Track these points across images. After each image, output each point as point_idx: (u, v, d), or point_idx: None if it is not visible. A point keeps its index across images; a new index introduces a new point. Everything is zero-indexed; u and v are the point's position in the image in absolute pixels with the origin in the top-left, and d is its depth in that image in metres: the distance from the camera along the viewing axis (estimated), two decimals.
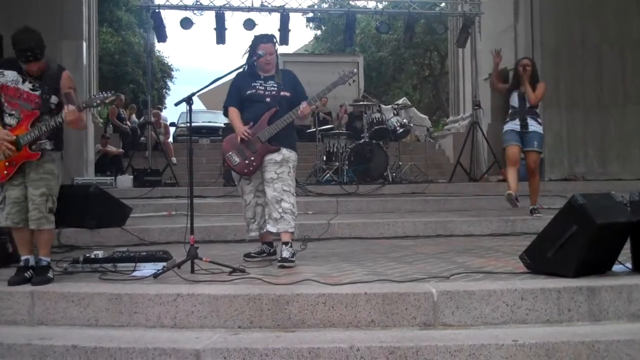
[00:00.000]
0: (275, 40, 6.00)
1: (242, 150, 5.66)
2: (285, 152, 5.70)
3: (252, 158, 5.65)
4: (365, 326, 4.10)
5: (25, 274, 4.88)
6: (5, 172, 4.93)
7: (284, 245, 5.58)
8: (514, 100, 8.48)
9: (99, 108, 5.11)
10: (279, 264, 5.47)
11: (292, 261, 5.50)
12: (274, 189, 5.59)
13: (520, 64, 8.53)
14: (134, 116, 19.23)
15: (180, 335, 4.05)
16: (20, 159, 4.90)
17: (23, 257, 5.02)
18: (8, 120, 4.97)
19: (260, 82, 5.82)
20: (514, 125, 8.45)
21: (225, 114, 6.09)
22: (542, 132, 8.53)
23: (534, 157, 8.45)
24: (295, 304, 4.14)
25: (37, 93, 4.96)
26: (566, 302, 4.18)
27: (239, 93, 5.85)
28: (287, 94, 5.81)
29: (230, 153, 5.71)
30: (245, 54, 5.95)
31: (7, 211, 4.96)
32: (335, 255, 6.17)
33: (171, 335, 4.05)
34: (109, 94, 5.05)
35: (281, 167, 5.65)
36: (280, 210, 5.56)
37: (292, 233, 5.70)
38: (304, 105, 5.68)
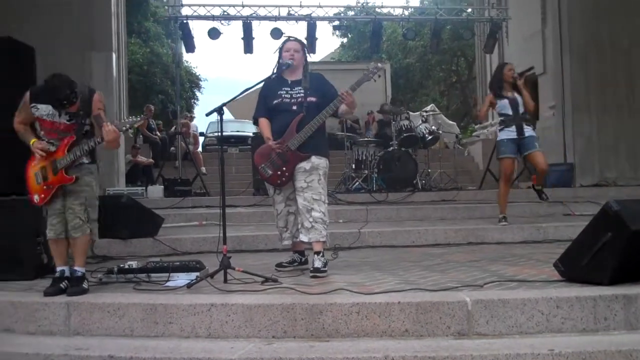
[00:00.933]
0: (302, 43, 6.00)
1: (273, 161, 5.64)
2: (314, 159, 5.65)
3: (284, 168, 5.62)
4: (399, 336, 4.09)
5: (61, 285, 4.94)
6: (42, 195, 5.03)
7: (315, 255, 5.55)
8: (504, 107, 8.26)
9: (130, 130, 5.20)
10: (311, 274, 5.44)
11: (324, 271, 5.49)
12: (304, 198, 5.57)
13: (508, 68, 8.37)
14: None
15: (215, 345, 4.07)
16: (56, 183, 4.99)
17: (59, 268, 5.08)
18: (50, 148, 5.05)
19: (287, 89, 5.76)
20: (509, 133, 8.25)
21: (256, 123, 6.10)
22: (535, 134, 8.42)
23: (542, 156, 8.30)
24: (329, 314, 4.15)
25: (73, 122, 5.05)
26: (602, 310, 4.13)
27: (265, 103, 5.83)
28: (314, 99, 5.71)
29: (262, 165, 5.70)
30: (275, 53, 5.96)
31: (50, 222, 5.05)
32: (367, 264, 6.17)
33: (206, 345, 4.07)
34: (138, 118, 5.08)
35: (310, 175, 5.61)
36: (311, 219, 5.54)
37: (324, 242, 5.68)
38: (342, 92, 5.56)
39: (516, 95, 8.25)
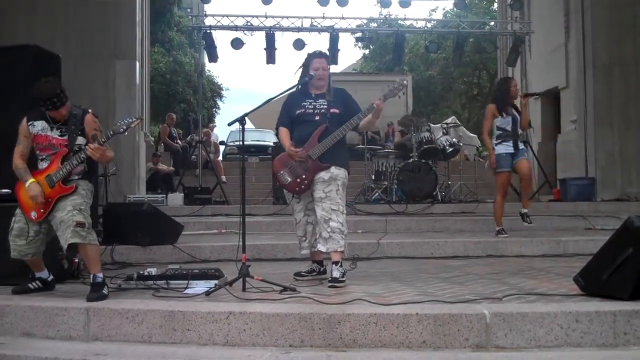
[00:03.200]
0: (327, 57, 6.05)
1: (293, 169, 5.69)
2: (333, 170, 5.67)
3: (304, 176, 5.67)
4: (417, 347, 4.08)
5: (30, 285, 5.25)
6: (42, 210, 5.11)
7: (334, 265, 5.56)
8: (507, 123, 8.44)
9: (126, 134, 5.24)
10: (330, 284, 5.44)
11: (343, 281, 5.47)
12: (322, 209, 5.59)
13: (514, 84, 8.61)
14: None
15: (233, 353, 4.09)
16: (55, 195, 5.08)
17: (37, 273, 5.34)
18: (42, 164, 5.21)
19: (310, 100, 5.82)
20: (507, 147, 8.42)
21: (277, 133, 6.14)
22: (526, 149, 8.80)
23: (526, 164, 8.52)
24: (347, 324, 4.14)
25: (65, 137, 5.18)
26: (622, 325, 4.10)
27: (288, 113, 5.88)
28: (337, 110, 5.77)
29: (282, 172, 5.75)
30: (297, 71, 6.01)
31: (16, 243, 5.14)
32: (385, 275, 6.16)
33: (223, 353, 4.09)
34: (133, 119, 5.15)
35: (329, 185, 5.63)
36: (329, 229, 5.55)
37: (342, 252, 5.66)
38: (377, 102, 5.62)
39: (514, 112, 8.46)
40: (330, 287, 5.39)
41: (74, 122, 5.18)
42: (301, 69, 5.98)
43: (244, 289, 5.07)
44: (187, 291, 5.14)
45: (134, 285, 5.38)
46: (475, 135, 24.95)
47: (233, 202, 12.65)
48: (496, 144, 8.51)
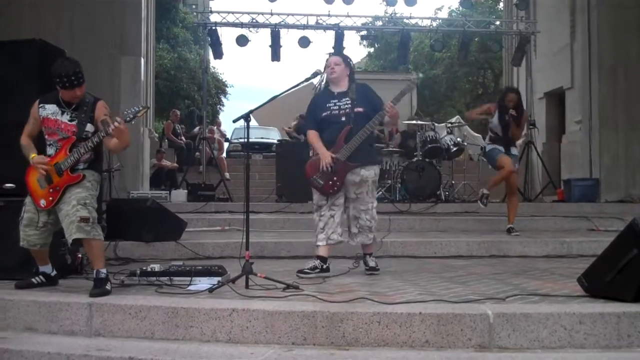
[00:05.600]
0: (343, 55, 6.34)
1: (325, 172, 5.93)
2: (363, 172, 6.00)
3: (335, 178, 5.94)
4: (420, 346, 4.07)
5: (33, 280, 5.24)
6: (50, 198, 5.09)
7: (367, 256, 6.23)
8: (498, 129, 8.70)
9: (132, 123, 5.23)
10: (367, 272, 6.12)
11: (378, 269, 6.15)
12: (353, 207, 6.09)
13: (509, 99, 8.66)
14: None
15: (235, 350, 4.09)
16: (63, 184, 5.06)
17: (41, 267, 5.33)
18: (49, 150, 5.20)
19: (335, 101, 6.08)
20: (498, 146, 8.75)
21: (305, 135, 6.40)
22: (517, 154, 9.08)
23: (514, 175, 8.73)
24: (350, 322, 4.14)
25: (74, 123, 5.15)
26: (626, 327, 4.09)
27: (315, 116, 6.14)
28: (361, 109, 5.98)
29: (314, 177, 6.00)
30: (305, 80, 6.12)
31: (26, 232, 5.15)
32: (388, 274, 6.16)
33: (226, 350, 4.09)
34: (139, 108, 5.13)
35: (360, 188, 6.02)
36: (358, 226, 6.10)
37: (372, 244, 6.25)
38: (388, 105, 5.90)
39: (509, 120, 8.58)
40: (368, 274, 6.08)
41: (84, 109, 5.16)
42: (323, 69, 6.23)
43: (247, 286, 5.08)
44: (190, 288, 5.14)
45: (137, 281, 5.38)
46: (480, 135, 24.92)
47: (236, 199, 12.63)
48: (488, 144, 8.89)
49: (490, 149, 8.80)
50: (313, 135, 6.12)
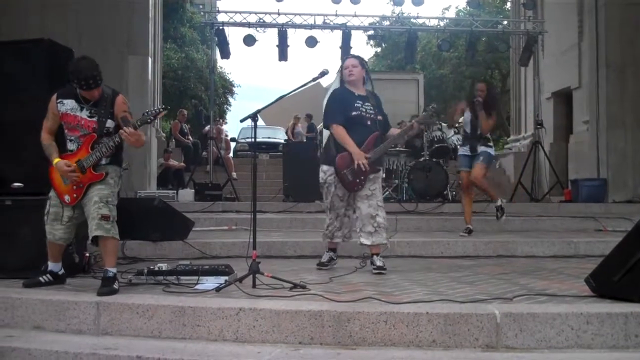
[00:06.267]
0: (360, 58, 6.46)
1: (354, 170, 6.04)
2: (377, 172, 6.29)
3: (362, 177, 6.09)
4: (427, 346, 4.07)
5: (40, 278, 5.23)
6: (75, 195, 5.13)
7: (375, 256, 6.19)
8: (467, 126, 8.78)
9: (156, 122, 5.28)
10: (376, 271, 6.06)
11: (385, 269, 6.11)
12: (369, 205, 6.13)
13: (477, 89, 8.81)
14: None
15: (242, 349, 4.09)
16: (86, 181, 5.09)
17: (51, 264, 5.32)
18: (70, 145, 5.21)
19: (360, 102, 6.21)
20: (465, 150, 8.80)
21: (327, 126, 6.40)
22: (491, 152, 8.82)
23: (476, 169, 8.59)
24: (357, 322, 4.14)
25: (94, 119, 5.15)
26: (633, 327, 4.07)
27: (344, 111, 6.18)
28: (381, 118, 6.30)
29: (344, 171, 6.10)
30: (313, 80, 6.20)
31: (53, 226, 5.17)
32: (395, 274, 6.15)
33: (233, 349, 4.09)
34: (160, 109, 5.22)
35: (374, 184, 6.19)
36: (375, 224, 6.11)
37: (385, 245, 6.29)
38: (415, 125, 6.45)
39: (479, 109, 8.63)
40: (376, 274, 6.02)
41: (104, 104, 5.17)
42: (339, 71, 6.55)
43: (254, 286, 5.08)
44: (197, 287, 5.15)
45: (144, 280, 5.39)
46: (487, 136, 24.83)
47: (243, 199, 12.65)
48: (459, 145, 9.16)
49: (459, 155, 9.01)
50: (343, 131, 6.13)
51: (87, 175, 5.08)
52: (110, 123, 5.18)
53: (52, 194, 5.21)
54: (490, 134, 8.84)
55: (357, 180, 6.08)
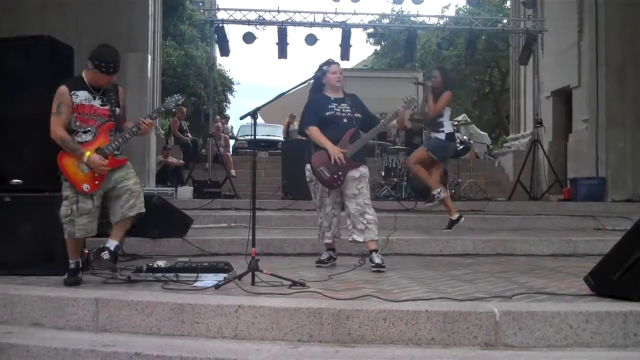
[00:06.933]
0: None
1: (330, 166, 6.18)
2: (362, 169, 6.33)
3: (340, 173, 6.20)
4: (426, 344, 4.07)
5: (79, 275, 5.30)
6: (96, 182, 5.22)
7: (373, 253, 6.23)
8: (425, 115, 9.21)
9: (175, 110, 5.59)
10: (375, 269, 6.08)
11: (384, 266, 6.12)
12: (356, 203, 6.22)
13: (433, 75, 9.16)
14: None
15: (241, 346, 4.09)
16: (109, 167, 5.22)
17: (73, 260, 5.32)
18: (84, 137, 5.25)
19: (335, 104, 6.41)
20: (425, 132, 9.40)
21: (302, 133, 6.56)
22: (441, 137, 8.93)
23: (414, 152, 9.35)
24: (356, 320, 4.14)
25: (107, 107, 5.29)
26: (632, 326, 4.07)
27: (317, 113, 6.36)
28: (359, 115, 6.44)
29: (320, 168, 6.22)
30: (312, 78, 6.47)
31: (80, 222, 5.20)
32: (394, 272, 6.15)
33: (232, 346, 4.09)
34: (179, 96, 5.52)
35: (360, 182, 6.27)
36: (364, 221, 6.19)
37: (377, 240, 6.29)
38: (400, 109, 6.49)
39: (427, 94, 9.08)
40: (375, 271, 6.05)
41: (111, 93, 5.34)
42: (317, 73, 6.50)
43: (253, 283, 5.09)
44: (196, 284, 5.15)
45: (143, 277, 5.41)
46: (486, 134, 24.94)
47: (242, 197, 12.63)
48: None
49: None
50: (316, 131, 6.30)
51: (110, 162, 5.22)
52: (118, 111, 5.36)
53: (68, 192, 5.22)
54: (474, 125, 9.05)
55: (335, 176, 6.20)
